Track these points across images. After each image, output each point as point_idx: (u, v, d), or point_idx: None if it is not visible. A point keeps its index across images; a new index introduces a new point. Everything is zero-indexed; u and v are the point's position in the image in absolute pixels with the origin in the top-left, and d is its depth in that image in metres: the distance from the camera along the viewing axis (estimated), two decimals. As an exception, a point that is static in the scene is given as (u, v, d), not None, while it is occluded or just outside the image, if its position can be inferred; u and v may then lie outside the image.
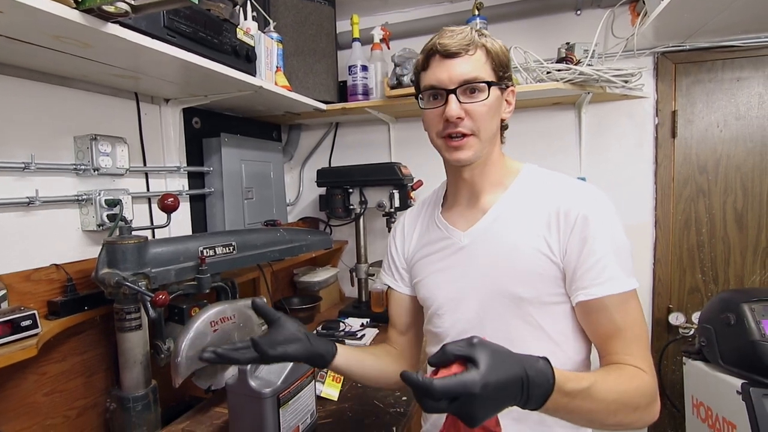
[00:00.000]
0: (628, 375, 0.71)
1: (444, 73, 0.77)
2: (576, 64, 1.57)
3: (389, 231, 1.85)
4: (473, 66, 0.76)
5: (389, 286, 1.02)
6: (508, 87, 0.82)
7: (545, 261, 0.77)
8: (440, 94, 0.78)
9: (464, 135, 0.78)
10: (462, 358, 0.56)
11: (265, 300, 0.70)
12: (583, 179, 1.83)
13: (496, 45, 0.79)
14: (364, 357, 0.91)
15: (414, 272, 0.95)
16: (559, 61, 1.61)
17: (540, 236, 0.77)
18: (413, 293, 0.98)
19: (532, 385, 0.56)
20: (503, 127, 0.88)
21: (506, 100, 0.84)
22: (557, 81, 1.55)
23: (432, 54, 0.79)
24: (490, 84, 0.77)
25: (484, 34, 0.79)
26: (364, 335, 1.64)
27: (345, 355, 0.85)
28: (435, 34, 0.80)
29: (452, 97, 0.76)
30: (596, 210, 0.76)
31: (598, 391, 0.64)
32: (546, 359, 0.61)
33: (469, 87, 0.76)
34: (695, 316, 1.61)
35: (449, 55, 0.76)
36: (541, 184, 0.83)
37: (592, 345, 0.84)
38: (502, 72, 0.80)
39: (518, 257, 0.78)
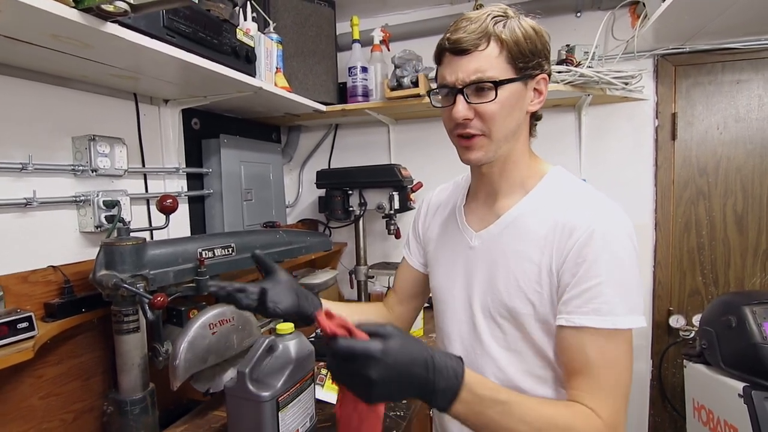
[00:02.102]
0: (569, 412, 0.64)
1: (452, 72, 0.73)
2: (576, 66, 1.56)
3: (389, 233, 1.85)
4: (482, 63, 0.70)
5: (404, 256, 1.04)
6: (534, 76, 0.74)
7: (545, 278, 0.72)
8: (450, 92, 0.75)
9: (474, 135, 0.74)
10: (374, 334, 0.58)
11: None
12: (584, 181, 1.83)
13: (517, 32, 0.71)
14: (351, 315, 0.88)
15: (428, 258, 0.96)
16: (560, 63, 1.61)
17: (545, 251, 0.72)
18: (422, 270, 1.00)
19: (437, 373, 0.57)
20: (535, 118, 0.81)
21: (536, 89, 0.76)
22: (557, 83, 1.55)
23: (443, 51, 0.75)
24: (497, 83, 0.70)
25: (506, 17, 0.72)
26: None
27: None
28: (452, 23, 0.75)
29: (459, 97, 0.72)
30: (604, 231, 0.68)
31: (520, 412, 0.60)
32: (460, 358, 0.60)
33: (477, 86, 0.71)
34: (696, 319, 1.61)
35: (457, 52, 0.72)
36: (560, 193, 0.77)
37: None
38: (525, 62, 0.72)
39: (520, 270, 0.74)
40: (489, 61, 0.71)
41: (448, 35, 0.73)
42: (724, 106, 1.71)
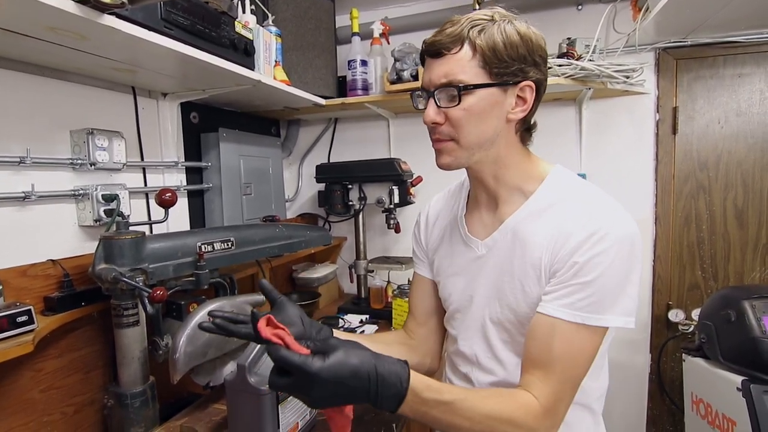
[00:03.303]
0: (512, 404, 0.66)
1: (427, 74, 0.74)
2: (577, 60, 1.56)
3: (389, 227, 1.85)
4: (452, 67, 0.70)
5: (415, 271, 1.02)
6: (515, 83, 0.71)
7: (544, 280, 0.72)
8: (426, 95, 0.74)
9: (443, 140, 0.75)
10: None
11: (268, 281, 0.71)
12: (583, 175, 1.82)
13: (496, 37, 0.68)
14: (370, 345, 0.89)
15: (435, 269, 0.94)
16: (560, 56, 1.60)
17: (545, 254, 0.72)
18: (435, 278, 0.98)
19: (381, 383, 0.58)
20: (528, 127, 0.79)
21: (519, 97, 0.73)
22: (558, 76, 1.54)
23: (422, 53, 0.75)
24: (461, 88, 0.69)
25: (488, 21, 0.70)
26: (363, 332, 1.63)
27: None
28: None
29: (430, 101, 0.73)
30: (602, 234, 0.67)
31: (463, 409, 0.63)
32: (405, 363, 0.62)
33: (448, 90, 0.71)
34: (695, 313, 1.61)
35: (432, 54, 0.72)
36: (561, 196, 0.75)
37: (607, 376, 0.82)
38: (502, 67, 0.69)
39: (525, 276, 0.74)
40: (460, 65, 0.69)
41: (428, 38, 0.73)
42: (725, 100, 1.71)
